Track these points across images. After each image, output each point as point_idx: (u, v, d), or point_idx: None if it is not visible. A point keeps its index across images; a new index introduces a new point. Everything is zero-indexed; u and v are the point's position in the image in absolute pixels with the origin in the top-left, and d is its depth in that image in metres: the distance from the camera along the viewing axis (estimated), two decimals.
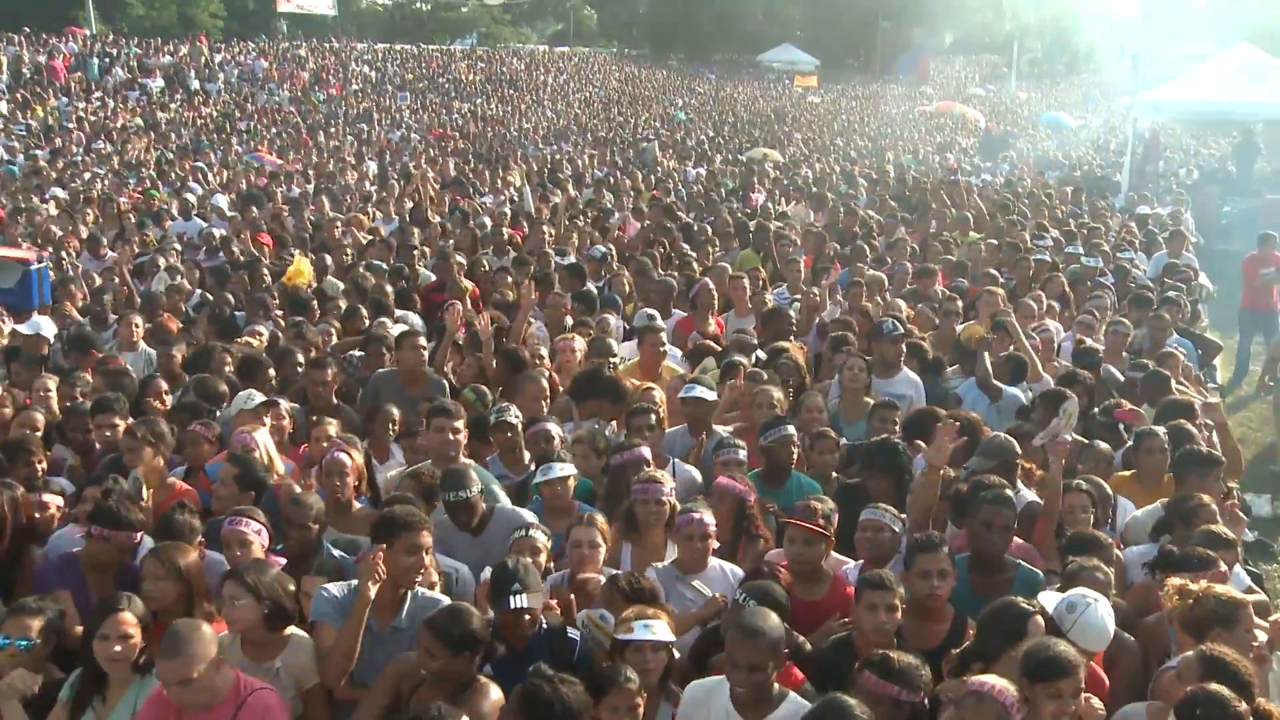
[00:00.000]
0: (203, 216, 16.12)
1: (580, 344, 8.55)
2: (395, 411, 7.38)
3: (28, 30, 39.58)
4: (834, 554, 5.62)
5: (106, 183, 19.50)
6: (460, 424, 6.38)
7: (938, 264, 12.58)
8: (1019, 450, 6.50)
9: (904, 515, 5.75)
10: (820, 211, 17.20)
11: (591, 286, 11.18)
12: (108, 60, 38.63)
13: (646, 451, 6.30)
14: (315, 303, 10.46)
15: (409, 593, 4.88)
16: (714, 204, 17.82)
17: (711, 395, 7.20)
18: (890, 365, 8.28)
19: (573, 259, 12.43)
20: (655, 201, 17.83)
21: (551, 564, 5.58)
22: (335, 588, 4.90)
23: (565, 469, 6.08)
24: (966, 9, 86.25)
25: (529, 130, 38.24)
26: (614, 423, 7.22)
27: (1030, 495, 6.37)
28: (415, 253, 12.47)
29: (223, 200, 17.46)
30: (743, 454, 6.42)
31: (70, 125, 30.05)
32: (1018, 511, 5.64)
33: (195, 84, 39.32)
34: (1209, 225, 21.79)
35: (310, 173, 22.72)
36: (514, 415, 6.76)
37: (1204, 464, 6.50)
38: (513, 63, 59.32)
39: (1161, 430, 6.97)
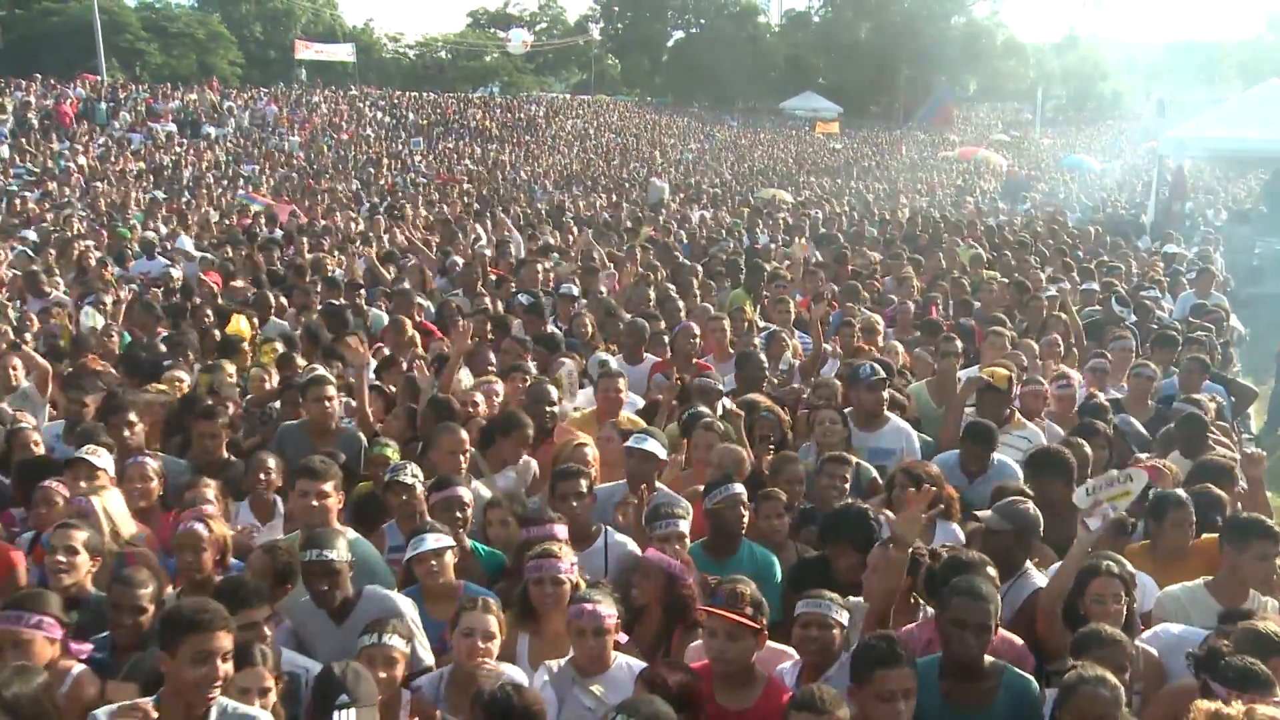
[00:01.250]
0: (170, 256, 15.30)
1: (501, 389, 7.57)
2: (272, 461, 6.38)
3: (39, 76, 39.29)
4: (773, 644, 4.59)
5: (80, 224, 18.71)
6: (330, 485, 5.36)
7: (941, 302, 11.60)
8: (1039, 524, 5.34)
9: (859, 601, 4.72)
10: (823, 251, 16.17)
11: (554, 329, 10.24)
12: (115, 106, 38.29)
13: (561, 529, 5.20)
14: (247, 345, 9.52)
15: (211, 711, 3.78)
16: (713, 244, 16.87)
17: (664, 452, 6.19)
18: (872, 415, 7.21)
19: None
20: (652, 242, 16.85)
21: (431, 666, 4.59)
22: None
23: (439, 541, 4.98)
24: (990, 56, 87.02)
25: (539, 175, 37.72)
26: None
27: (1039, 580, 5.17)
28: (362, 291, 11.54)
29: (187, 241, 16.65)
30: (684, 525, 5.37)
31: (70, 167, 29.54)
32: (1002, 604, 4.50)
33: (208, 130, 39.05)
34: (1240, 267, 20.73)
35: (298, 215, 21.98)
36: (410, 475, 5.69)
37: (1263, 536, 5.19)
38: (531, 109, 59.08)
39: (1187, 498, 5.81)
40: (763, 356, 8.43)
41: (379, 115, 49.84)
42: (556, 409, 7.21)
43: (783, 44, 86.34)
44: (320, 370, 7.60)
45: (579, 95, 73.46)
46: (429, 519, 5.35)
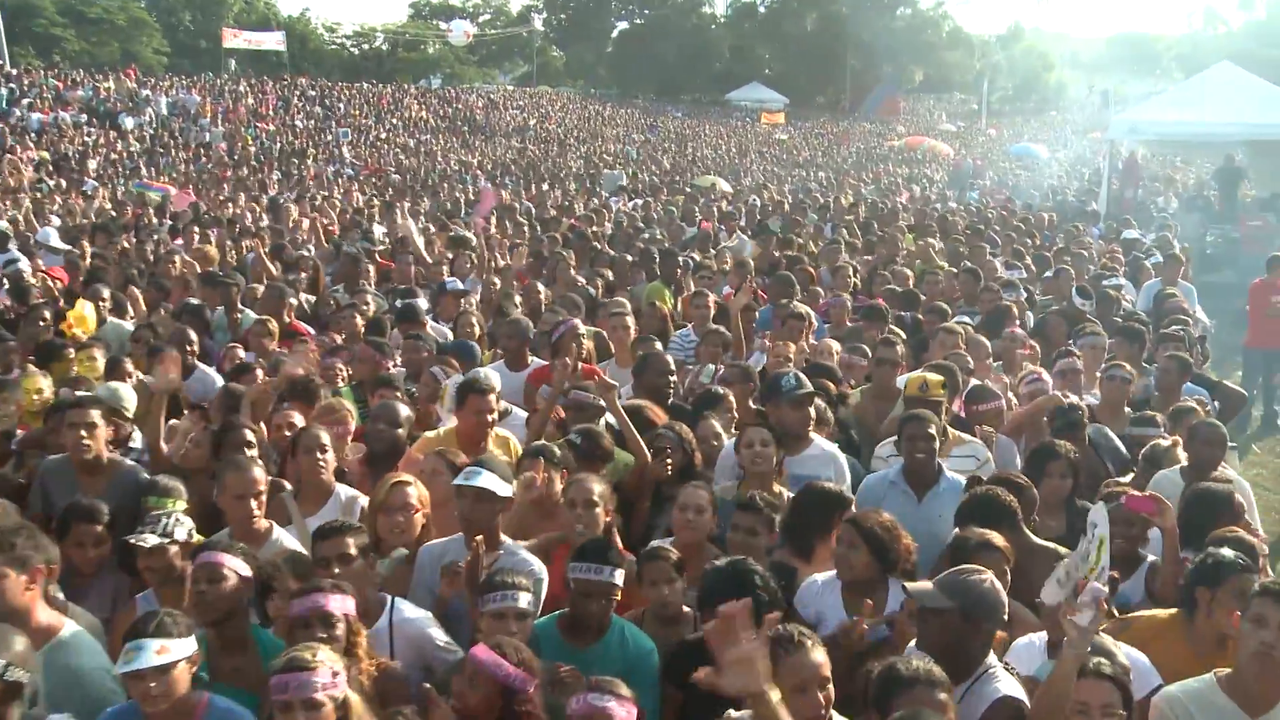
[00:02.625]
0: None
1: (298, 419, 6.04)
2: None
3: None
4: None
5: None
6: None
7: (882, 293, 10.28)
8: (1001, 607, 3.84)
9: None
10: (758, 241, 14.81)
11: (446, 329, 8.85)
12: (16, 92, 36.28)
13: (339, 601, 3.75)
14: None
15: None
16: (639, 234, 15.50)
17: (506, 488, 4.68)
18: (796, 437, 5.85)
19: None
20: (575, 231, 15.43)
21: None
22: None
23: (165, 653, 3.46)
24: (935, 48, 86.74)
25: (471, 166, 36.22)
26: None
27: (1008, 686, 3.67)
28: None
29: (52, 233, 14.98)
30: (525, 599, 3.99)
31: None
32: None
33: (124, 120, 37.08)
34: (1193, 256, 19.66)
35: (203, 206, 20.36)
36: (160, 531, 4.27)
37: None
38: (470, 100, 57.43)
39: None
40: (668, 360, 7.01)
41: (310, 106, 48.08)
42: (403, 430, 5.79)
43: (728, 35, 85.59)
44: (93, 391, 6.08)
45: (522, 88, 71.80)
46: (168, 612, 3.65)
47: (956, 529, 4.73)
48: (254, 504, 4.73)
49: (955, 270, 11.62)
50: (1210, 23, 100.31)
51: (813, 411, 5.85)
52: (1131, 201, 23.71)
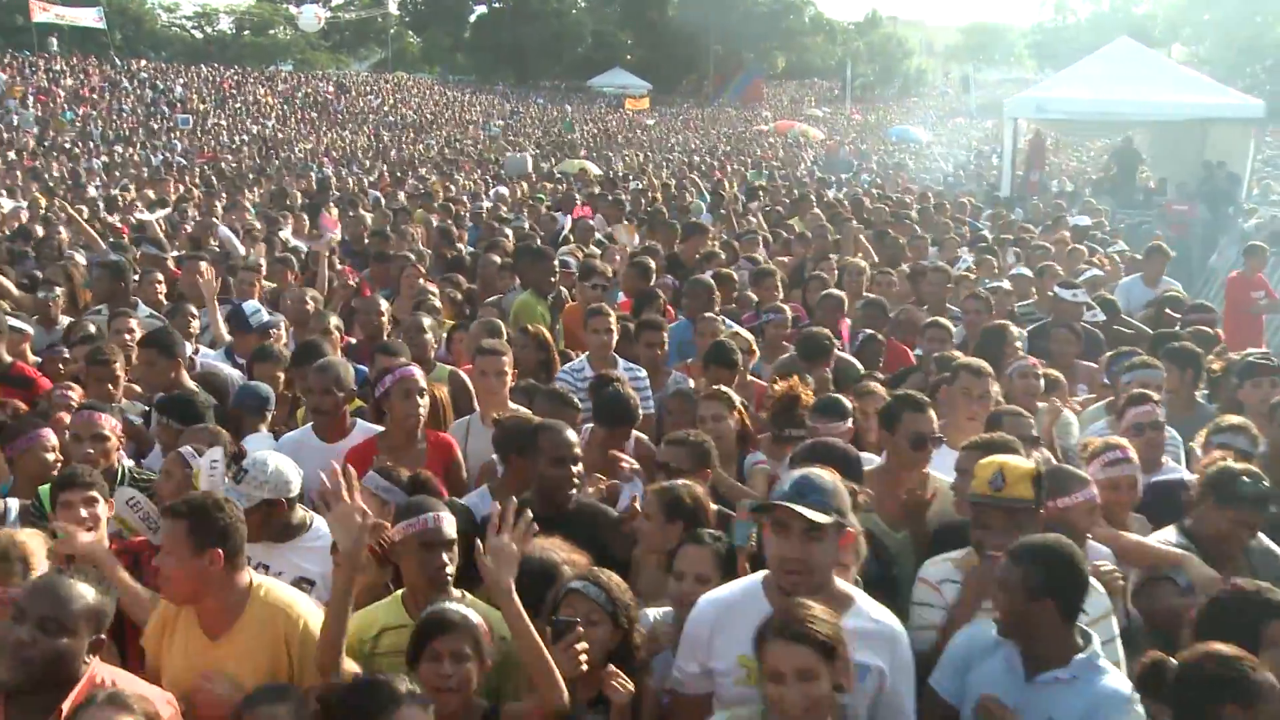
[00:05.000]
0: None
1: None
2: None
3: None
4: None
5: None
6: None
7: (829, 308, 7.92)
8: None
9: None
10: (652, 233, 12.33)
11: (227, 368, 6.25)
12: None
13: None
14: None
15: None
16: (505, 225, 12.95)
17: None
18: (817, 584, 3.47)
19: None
20: (440, 226, 12.77)
21: None
22: None
23: None
24: (798, 33, 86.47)
25: (318, 153, 32.99)
26: None
27: None
28: None
29: None
30: None
31: None
32: None
33: None
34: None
35: None
36: None
37: None
38: (321, 86, 53.74)
39: None
40: (568, 438, 4.54)
41: (140, 90, 44.02)
42: None
43: (589, 20, 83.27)
44: None
45: (377, 74, 68.06)
46: None
47: None
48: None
49: (906, 270, 9.42)
50: (1060, 11, 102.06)
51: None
52: (1037, 184, 22.13)
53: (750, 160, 31.53)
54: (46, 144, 31.11)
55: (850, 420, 5.17)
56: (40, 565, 3.91)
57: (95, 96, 41.26)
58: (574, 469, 4.46)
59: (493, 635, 3.40)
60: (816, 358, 6.49)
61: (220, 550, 3.45)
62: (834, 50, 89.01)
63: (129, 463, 5.23)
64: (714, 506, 4.29)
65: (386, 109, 50.42)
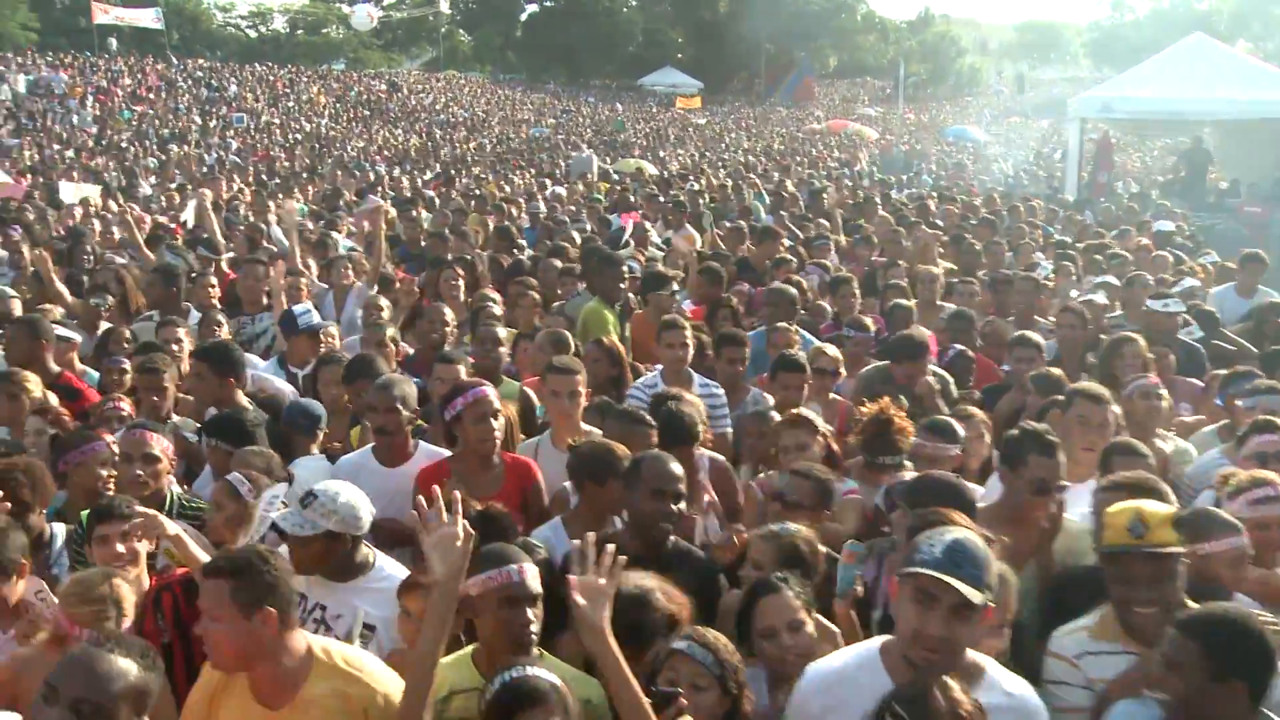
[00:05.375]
0: None
1: None
2: None
3: None
4: None
5: None
6: None
7: (901, 320, 7.51)
8: None
9: None
10: (723, 239, 11.84)
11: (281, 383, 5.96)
12: None
13: None
14: None
15: None
16: (564, 226, 12.61)
17: None
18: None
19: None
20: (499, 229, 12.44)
21: None
22: None
23: None
24: (850, 32, 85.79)
25: (370, 152, 32.86)
26: None
27: None
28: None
29: None
30: None
31: None
32: None
33: None
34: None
35: (36, 195, 17.02)
36: None
37: None
38: (372, 85, 53.85)
39: None
40: (670, 467, 4.19)
41: (196, 89, 44.28)
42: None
43: (641, 19, 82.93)
44: None
45: (429, 72, 68.25)
46: None
47: None
48: None
49: (991, 278, 8.96)
50: (1118, 9, 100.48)
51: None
52: (1105, 186, 21.47)
53: (806, 160, 30.96)
54: (104, 143, 31.22)
55: (960, 447, 4.76)
56: (132, 610, 3.64)
57: (152, 96, 41.49)
58: (676, 505, 4.07)
59: (575, 699, 2.98)
60: (913, 359, 6.08)
61: (273, 609, 3.06)
62: (886, 49, 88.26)
63: (178, 489, 4.92)
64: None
65: (438, 108, 50.35)
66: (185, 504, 4.78)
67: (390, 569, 3.93)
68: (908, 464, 4.81)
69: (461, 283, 8.23)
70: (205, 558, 3.94)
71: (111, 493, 4.56)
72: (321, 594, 3.86)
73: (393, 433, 4.91)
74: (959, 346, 7.08)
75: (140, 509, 3.99)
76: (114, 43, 52.96)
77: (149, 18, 49.97)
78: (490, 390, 4.85)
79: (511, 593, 3.30)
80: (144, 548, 4.05)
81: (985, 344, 7.44)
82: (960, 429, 4.87)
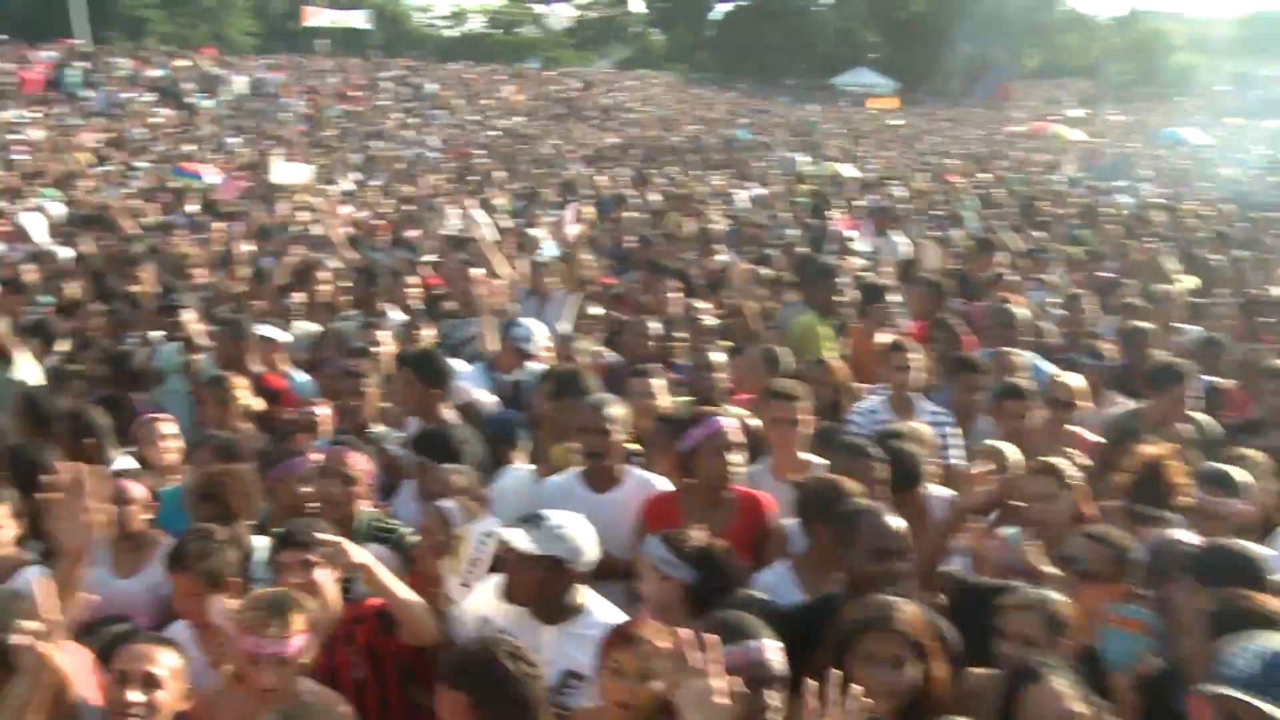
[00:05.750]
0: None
1: None
2: None
3: (5, 38, 35.37)
4: None
5: None
6: None
7: (1138, 344, 6.79)
8: None
9: None
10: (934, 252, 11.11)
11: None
12: (95, 74, 34.23)
13: None
14: None
15: None
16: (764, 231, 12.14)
17: None
18: None
19: None
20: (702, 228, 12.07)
21: None
22: None
23: None
24: (1050, 30, 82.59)
25: (565, 150, 33.09)
26: None
27: None
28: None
29: (37, 221, 12.28)
30: None
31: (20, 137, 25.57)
32: None
33: (198, 100, 34.84)
34: None
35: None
36: None
37: None
38: (567, 83, 54.59)
39: None
40: (887, 524, 3.73)
41: (397, 87, 45.70)
42: None
43: (834, 17, 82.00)
44: None
45: (622, 71, 68.99)
46: None
47: None
48: None
49: (1244, 299, 8.13)
50: None
51: None
52: None
53: (1010, 164, 29.57)
54: (311, 140, 32.39)
55: (1243, 501, 4.13)
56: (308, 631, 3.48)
57: (356, 94, 42.96)
58: (899, 565, 3.63)
59: None
60: (1168, 388, 5.44)
61: None
62: (1089, 48, 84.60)
63: (370, 511, 4.70)
64: None
65: (632, 106, 50.66)
66: (377, 527, 4.59)
67: (601, 614, 3.61)
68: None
69: (680, 294, 7.88)
70: (398, 586, 3.73)
71: (310, 511, 4.42)
72: (529, 635, 3.57)
73: (603, 454, 4.60)
74: (1210, 379, 6.35)
75: (325, 537, 3.78)
76: (326, 44, 55.31)
77: (359, 19, 51.95)
78: (731, 423, 4.52)
79: (752, 673, 2.85)
80: (327, 576, 3.84)
81: (1237, 374, 6.68)
82: (1243, 477, 4.24)
